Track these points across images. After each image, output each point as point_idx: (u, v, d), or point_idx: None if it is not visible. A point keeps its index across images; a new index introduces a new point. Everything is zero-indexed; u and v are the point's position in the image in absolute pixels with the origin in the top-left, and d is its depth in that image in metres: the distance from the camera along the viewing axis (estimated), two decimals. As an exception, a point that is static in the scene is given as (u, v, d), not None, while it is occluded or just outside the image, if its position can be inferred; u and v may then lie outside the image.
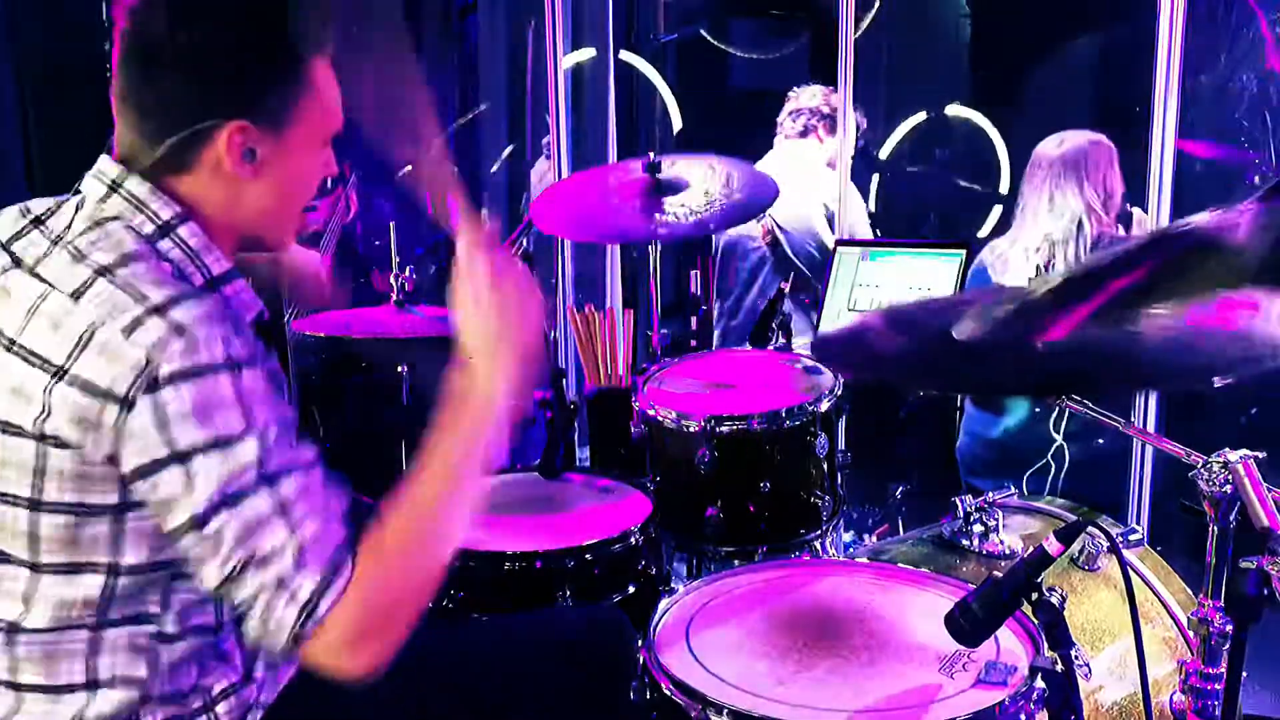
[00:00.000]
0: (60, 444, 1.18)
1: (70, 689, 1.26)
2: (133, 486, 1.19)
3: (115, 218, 1.26)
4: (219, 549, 1.17)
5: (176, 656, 1.29)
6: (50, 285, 1.21)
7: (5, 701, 1.27)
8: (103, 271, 1.19)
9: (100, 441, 1.17)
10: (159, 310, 1.17)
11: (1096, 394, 1.65)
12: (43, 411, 1.18)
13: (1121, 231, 3.12)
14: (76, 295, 1.19)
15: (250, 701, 1.37)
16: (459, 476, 1.31)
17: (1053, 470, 2.91)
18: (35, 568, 1.23)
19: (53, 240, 1.25)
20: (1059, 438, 2.89)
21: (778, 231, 3.87)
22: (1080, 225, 2.95)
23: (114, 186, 1.27)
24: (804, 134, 3.98)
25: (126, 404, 1.15)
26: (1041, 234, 3.00)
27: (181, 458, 1.16)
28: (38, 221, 1.28)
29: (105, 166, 1.29)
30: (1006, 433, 3.06)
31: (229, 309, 1.25)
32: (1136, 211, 3.16)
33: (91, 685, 1.26)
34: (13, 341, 1.21)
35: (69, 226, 1.26)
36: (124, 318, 1.16)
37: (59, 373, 1.17)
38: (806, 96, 4.00)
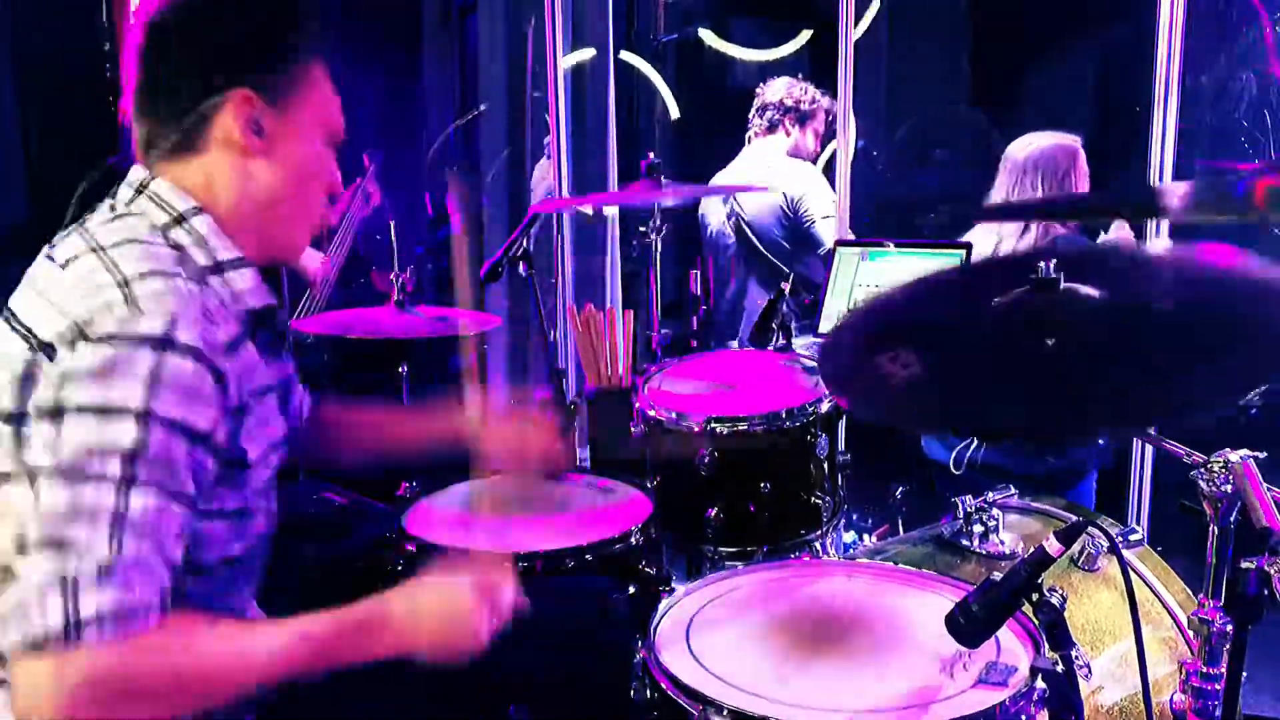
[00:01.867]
0: (8, 418, 1.19)
1: None
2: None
3: (135, 213, 1.32)
4: (36, 510, 1.11)
5: None
6: (54, 263, 1.27)
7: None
8: (96, 249, 1.25)
9: (31, 397, 1.18)
10: (125, 283, 1.20)
11: (1131, 430, 1.62)
12: (11, 381, 1.20)
13: (1104, 236, 3.15)
14: (65, 266, 1.24)
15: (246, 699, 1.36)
16: (288, 667, 1.22)
17: (974, 443, 3.01)
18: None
19: (77, 233, 1.31)
20: None
21: (744, 224, 3.90)
22: (1026, 226, 3.01)
23: (140, 189, 1.34)
24: (771, 129, 4.00)
25: (50, 353, 1.17)
26: (993, 233, 3.07)
27: (60, 412, 1.13)
28: (79, 227, 1.34)
29: (134, 173, 1.36)
30: None
31: (225, 297, 1.29)
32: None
33: None
34: (11, 314, 1.26)
35: (93, 223, 1.32)
36: (89, 284, 1.20)
37: (27, 334, 1.21)
38: (771, 92, 4.02)
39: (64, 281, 1.23)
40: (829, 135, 3.97)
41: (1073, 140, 3.09)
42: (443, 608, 1.33)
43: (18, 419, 1.19)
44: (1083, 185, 3.06)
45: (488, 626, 1.34)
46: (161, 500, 1.13)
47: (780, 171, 3.88)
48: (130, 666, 1.09)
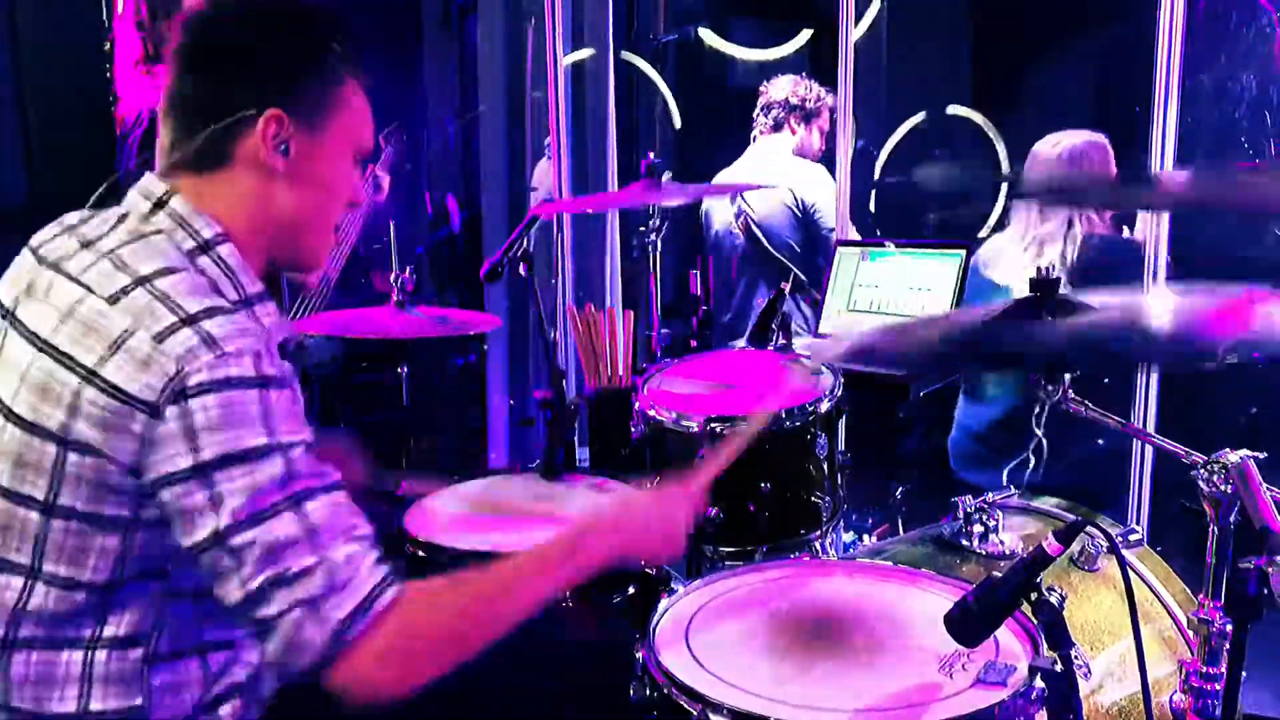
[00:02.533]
0: (82, 449, 1.19)
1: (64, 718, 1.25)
2: (155, 498, 1.19)
3: (158, 232, 1.29)
4: (242, 567, 1.17)
5: (169, 680, 1.29)
6: (88, 289, 1.23)
7: None
8: (141, 280, 1.22)
9: (124, 449, 1.18)
10: (192, 320, 1.19)
11: (1101, 368, 1.67)
12: (69, 414, 1.19)
13: (1126, 232, 3.14)
14: (113, 300, 1.21)
15: (255, 698, 1.37)
16: (548, 580, 1.36)
17: (1031, 463, 2.98)
18: (34, 575, 1.23)
19: (84, 244, 1.28)
20: (1039, 432, 2.96)
21: (753, 225, 3.89)
22: (1070, 224, 2.99)
23: (160, 204, 1.31)
24: (777, 127, 3.99)
25: (154, 412, 1.17)
26: (1032, 233, 3.05)
27: (205, 470, 1.17)
28: (70, 229, 1.33)
29: (151, 184, 1.33)
30: (992, 425, 3.10)
31: (261, 328, 1.27)
32: (1140, 215, 3.17)
33: (83, 717, 1.25)
34: (46, 343, 1.22)
35: (107, 236, 1.29)
36: (156, 325, 1.18)
37: (89, 376, 1.18)
38: (776, 90, 4.01)
39: (119, 320, 1.19)
40: (832, 130, 3.96)
41: (1101, 137, 3.08)
42: (653, 512, 1.51)
43: (70, 445, 1.20)
44: None
45: (687, 529, 1.51)
46: (326, 497, 1.22)
47: (790, 172, 3.88)
48: (404, 630, 1.22)
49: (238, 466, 1.17)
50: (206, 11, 1.36)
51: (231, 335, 1.20)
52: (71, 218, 1.35)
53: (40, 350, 1.22)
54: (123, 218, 1.32)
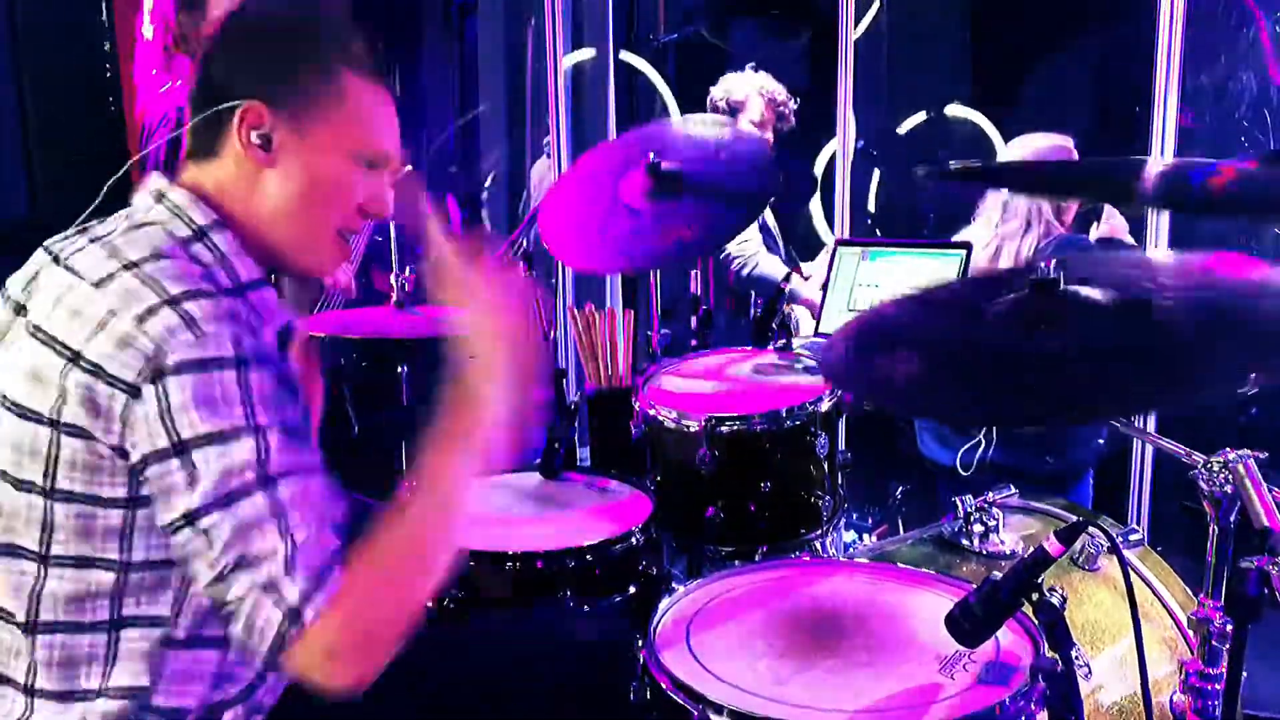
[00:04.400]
0: (73, 432, 1.21)
1: (83, 695, 1.26)
2: (141, 477, 1.21)
3: (153, 223, 1.32)
4: (211, 547, 1.18)
5: (181, 668, 1.29)
6: (79, 276, 1.25)
7: (15, 707, 1.27)
8: (129, 265, 1.24)
9: (109, 430, 1.20)
10: (173, 301, 1.20)
11: (1131, 412, 1.63)
12: (59, 397, 1.21)
13: (1101, 226, 3.19)
14: (99, 284, 1.23)
15: (255, 706, 1.37)
16: (451, 499, 1.31)
17: (982, 445, 3.03)
18: (44, 560, 1.24)
19: (91, 239, 1.30)
20: None
21: None
22: (1028, 225, 3.09)
23: (159, 197, 1.34)
24: None
25: (134, 392, 1.18)
26: (993, 232, 3.15)
27: (182, 449, 1.18)
28: (83, 230, 1.35)
29: (154, 181, 1.36)
30: None
31: (251, 313, 1.27)
32: (1106, 207, 3.23)
33: (100, 693, 1.26)
34: (37, 328, 1.24)
35: (111, 231, 1.31)
36: (138, 306, 1.20)
37: (74, 357, 1.20)
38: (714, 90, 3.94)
39: (104, 303, 1.21)
40: (780, 119, 3.88)
41: (1067, 140, 3.15)
42: (487, 327, 1.37)
43: (62, 428, 1.21)
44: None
45: (525, 323, 1.40)
46: (298, 481, 1.22)
47: None
48: (351, 608, 1.20)
49: (213, 446, 1.18)
50: (226, 15, 1.42)
51: (212, 316, 1.20)
52: (90, 222, 1.37)
53: (32, 336, 1.24)
54: (129, 215, 1.34)
